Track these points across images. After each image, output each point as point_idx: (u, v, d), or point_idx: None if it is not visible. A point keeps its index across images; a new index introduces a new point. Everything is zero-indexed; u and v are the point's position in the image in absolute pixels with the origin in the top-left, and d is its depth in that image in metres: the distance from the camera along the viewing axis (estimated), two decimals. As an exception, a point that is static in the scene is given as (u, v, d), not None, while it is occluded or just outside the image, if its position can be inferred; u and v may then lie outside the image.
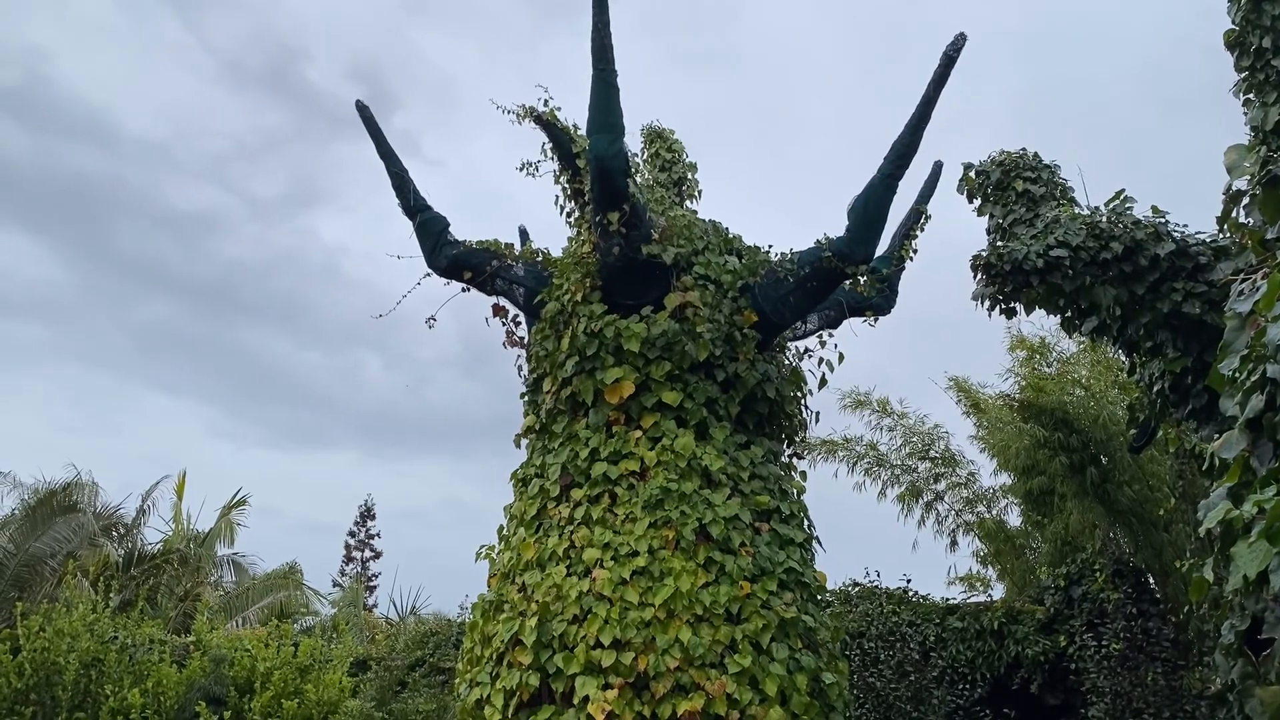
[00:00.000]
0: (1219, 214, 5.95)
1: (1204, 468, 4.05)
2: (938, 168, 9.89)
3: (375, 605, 32.56)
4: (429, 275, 8.54)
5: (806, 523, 7.76)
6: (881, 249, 8.60)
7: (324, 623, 20.50)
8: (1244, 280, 4.66)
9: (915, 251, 9.27)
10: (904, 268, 9.28)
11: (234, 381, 68.24)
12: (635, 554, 6.81)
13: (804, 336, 8.63)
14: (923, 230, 9.43)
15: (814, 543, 7.80)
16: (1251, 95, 8.45)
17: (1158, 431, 10.72)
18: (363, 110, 8.53)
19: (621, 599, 6.56)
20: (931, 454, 17.87)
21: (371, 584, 37.88)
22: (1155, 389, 9.53)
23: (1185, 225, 9.03)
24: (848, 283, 8.37)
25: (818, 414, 8.79)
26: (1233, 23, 8.79)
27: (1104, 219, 9.16)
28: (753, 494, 7.38)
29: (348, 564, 40.04)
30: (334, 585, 35.55)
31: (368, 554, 40.48)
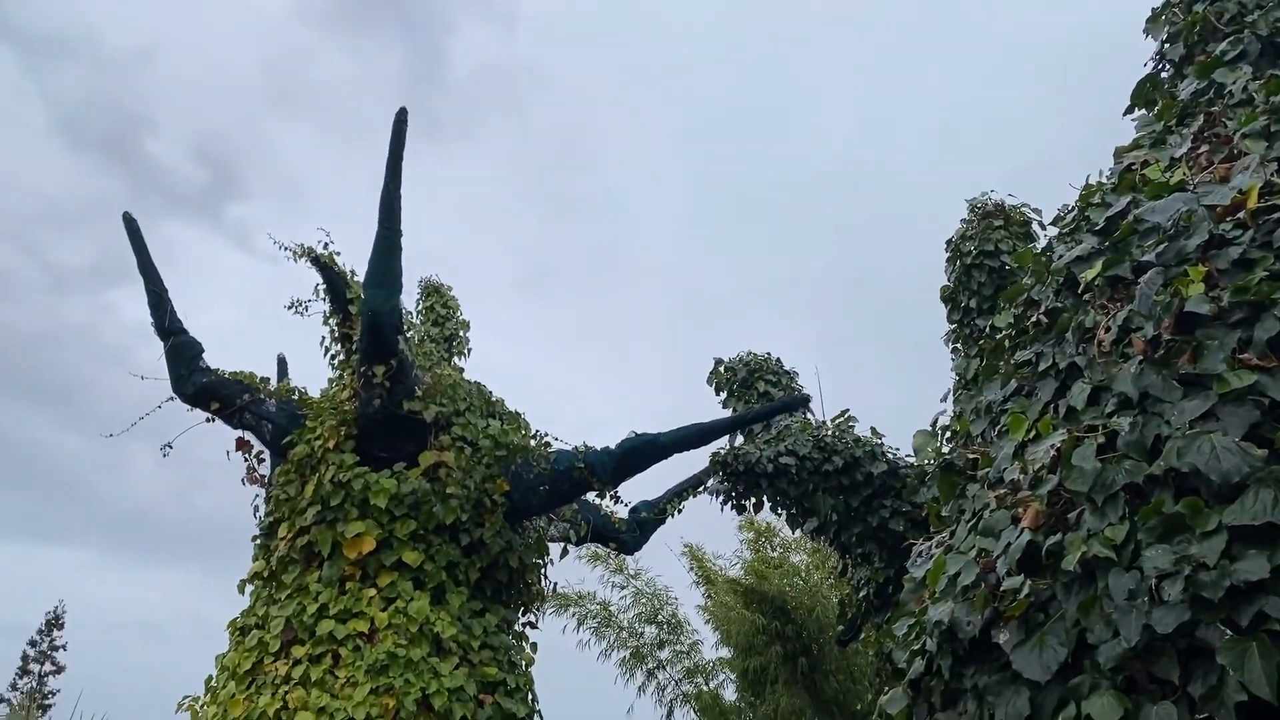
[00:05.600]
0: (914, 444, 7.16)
1: (893, 671, 4.66)
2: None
3: (49, 726, 25.06)
4: (172, 399, 8.14)
5: (531, 696, 7.81)
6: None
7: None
8: (924, 542, 5.17)
9: (680, 510, 10.10)
10: (664, 521, 10.03)
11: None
12: None
13: (550, 540, 8.76)
14: (694, 497, 10.28)
15: (537, 717, 7.77)
16: (959, 345, 10.43)
17: (863, 629, 11.68)
18: (129, 223, 8.27)
19: (330, 769, 6.24)
20: (659, 618, 17.82)
21: (48, 702, 31.43)
22: (862, 593, 10.81)
23: (898, 448, 10.52)
24: (605, 506, 8.90)
25: (555, 584, 8.82)
26: (948, 280, 10.93)
27: (829, 433, 10.50)
28: (481, 664, 7.41)
29: (22, 677, 33.23)
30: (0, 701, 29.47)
31: (48, 667, 33.73)
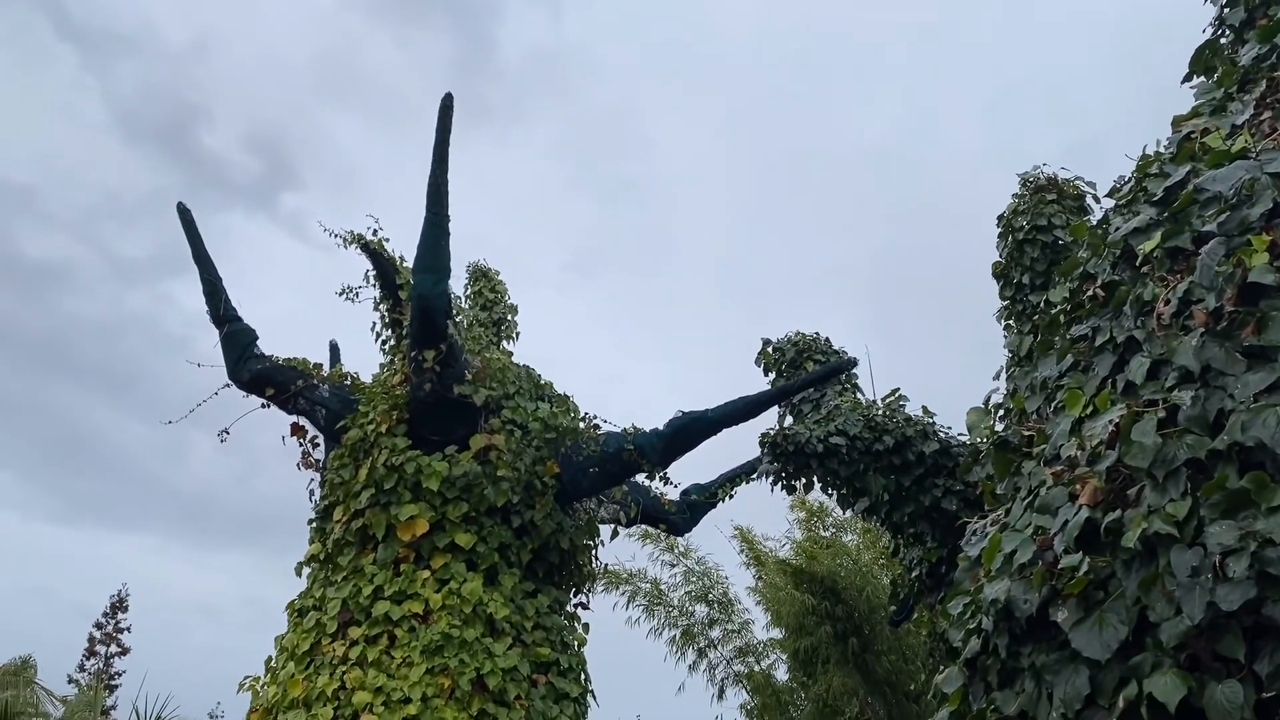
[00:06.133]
0: (967, 421, 7.14)
1: (948, 650, 4.69)
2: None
3: (115, 707, 26.29)
4: (229, 386, 8.24)
5: (584, 676, 7.87)
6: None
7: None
8: (979, 520, 5.14)
9: (732, 496, 10.08)
10: (715, 505, 9.99)
11: (40, 446, 55.03)
12: (408, 700, 6.68)
13: (600, 521, 8.72)
14: (747, 483, 10.20)
15: (589, 696, 7.89)
16: (1011, 322, 10.27)
17: (915, 609, 11.72)
18: (183, 213, 8.22)
19: (389, 747, 6.37)
20: (710, 597, 17.74)
21: (114, 683, 31.85)
22: (914, 573, 10.80)
23: (949, 427, 10.43)
24: (656, 488, 8.78)
25: (605, 565, 8.69)
26: (999, 256, 10.76)
27: (880, 413, 10.42)
28: (534, 645, 7.48)
29: (89, 659, 33.82)
30: (69, 682, 30.09)
31: (114, 649, 34.38)
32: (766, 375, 12.37)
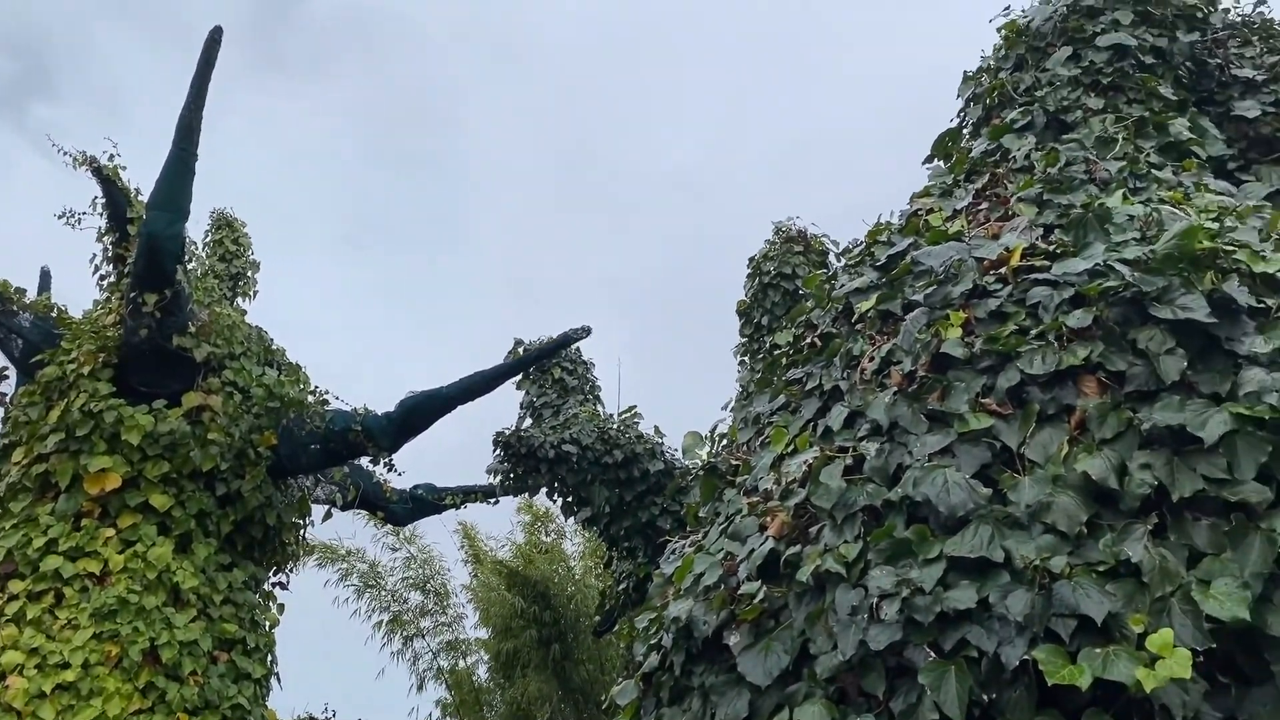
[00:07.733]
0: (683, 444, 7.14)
1: (636, 664, 4.60)
2: None
3: None
4: None
5: (270, 658, 7.57)
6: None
7: None
8: (679, 540, 5.32)
9: (462, 507, 10.13)
10: (441, 510, 9.93)
11: None
12: (66, 666, 6.26)
13: (315, 501, 8.60)
14: (483, 503, 10.41)
15: (273, 679, 7.61)
16: (746, 358, 10.76)
17: (619, 621, 11.45)
18: None
19: (34, 715, 6.05)
20: (428, 587, 17.65)
21: None
22: (623, 585, 10.94)
23: (677, 450, 10.73)
24: (380, 472, 8.58)
25: (314, 548, 8.47)
26: (745, 296, 11.34)
27: (614, 427, 10.91)
28: (220, 620, 7.14)
29: None
30: None
31: None
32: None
